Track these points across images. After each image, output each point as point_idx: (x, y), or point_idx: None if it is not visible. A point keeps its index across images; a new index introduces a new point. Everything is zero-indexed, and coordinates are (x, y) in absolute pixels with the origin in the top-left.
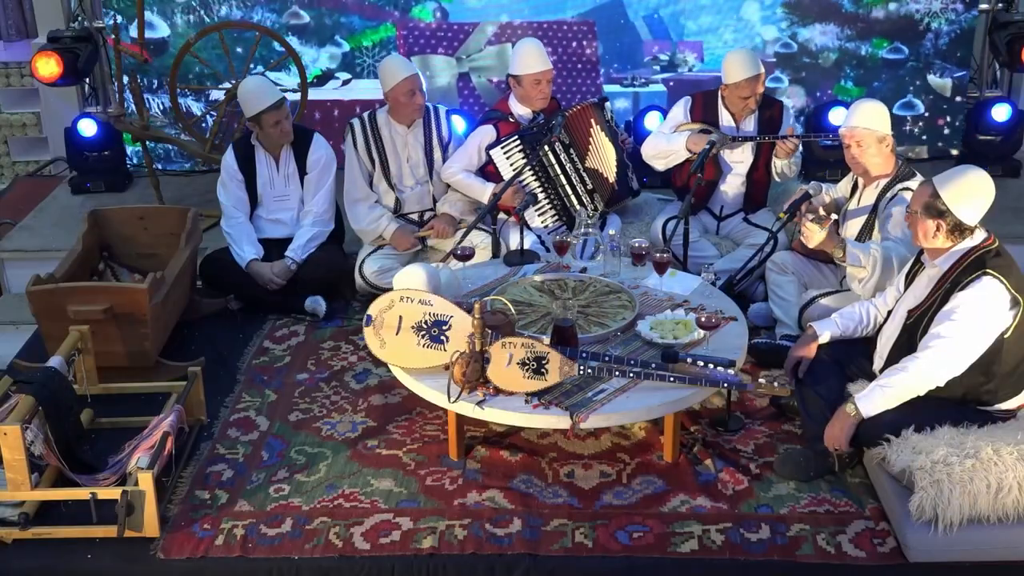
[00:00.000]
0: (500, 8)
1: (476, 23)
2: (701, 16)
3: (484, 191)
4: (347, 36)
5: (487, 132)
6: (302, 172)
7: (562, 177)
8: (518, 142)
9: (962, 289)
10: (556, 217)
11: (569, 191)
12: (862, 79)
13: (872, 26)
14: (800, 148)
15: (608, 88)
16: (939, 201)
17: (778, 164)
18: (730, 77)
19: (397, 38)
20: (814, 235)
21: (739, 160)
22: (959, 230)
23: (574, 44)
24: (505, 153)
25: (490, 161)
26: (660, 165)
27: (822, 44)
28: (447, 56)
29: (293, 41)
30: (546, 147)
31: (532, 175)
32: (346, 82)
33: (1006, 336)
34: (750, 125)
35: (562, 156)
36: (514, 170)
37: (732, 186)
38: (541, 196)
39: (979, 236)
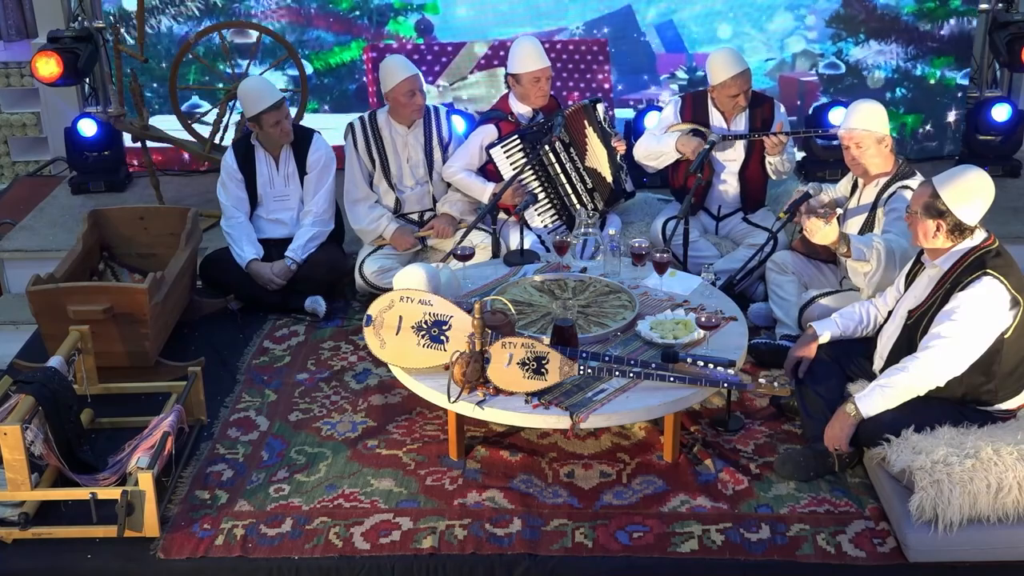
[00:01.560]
0: (497, 16)
1: (462, 43)
2: (720, 25)
3: (484, 190)
4: (310, 54)
5: (488, 131)
6: (302, 172)
7: (562, 176)
8: (518, 141)
9: (962, 289)
10: (556, 216)
11: (569, 190)
12: (919, 105)
13: (943, 44)
14: (789, 143)
15: (620, 113)
16: (939, 201)
17: (771, 161)
18: (715, 78)
19: (364, 62)
20: (819, 230)
21: (732, 159)
22: (959, 230)
23: (582, 67)
24: (505, 152)
25: (491, 160)
26: (651, 166)
27: (875, 64)
28: (426, 84)
29: (244, 63)
30: (546, 146)
31: (532, 174)
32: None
33: (1006, 336)
34: (741, 123)
35: (562, 155)
36: (514, 169)
37: (727, 185)
38: (541, 195)
39: (979, 236)
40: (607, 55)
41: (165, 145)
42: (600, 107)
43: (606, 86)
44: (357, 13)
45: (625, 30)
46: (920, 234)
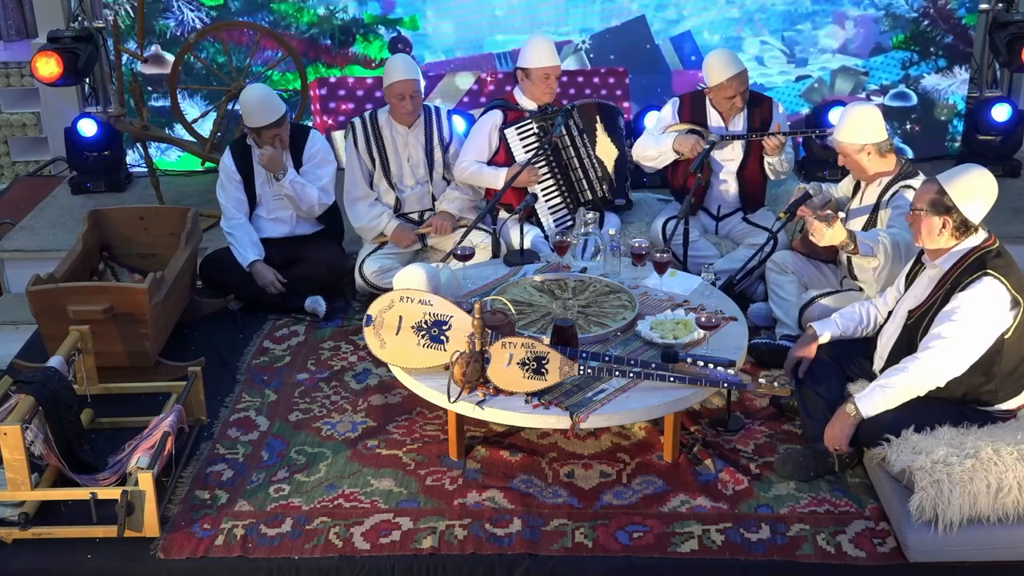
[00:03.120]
0: (492, 24)
1: (440, 74)
2: (746, 39)
3: (498, 176)
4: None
5: (495, 116)
6: (299, 169)
7: (575, 160)
8: (531, 125)
9: (963, 290)
10: (563, 205)
11: (581, 175)
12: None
13: None
14: (788, 143)
15: None
16: (946, 198)
17: (770, 161)
18: (712, 79)
19: (312, 100)
20: (824, 233)
21: (730, 159)
22: (964, 228)
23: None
24: (520, 135)
25: (503, 140)
26: (650, 166)
27: (955, 94)
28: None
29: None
30: (562, 129)
31: (544, 158)
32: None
33: (1006, 337)
34: (739, 124)
35: (577, 139)
36: (527, 152)
37: (726, 185)
38: (551, 182)
39: (980, 236)
40: (626, 87)
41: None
42: (621, 118)
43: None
44: (316, 31)
45: (638, 44)
46: (924, 232)
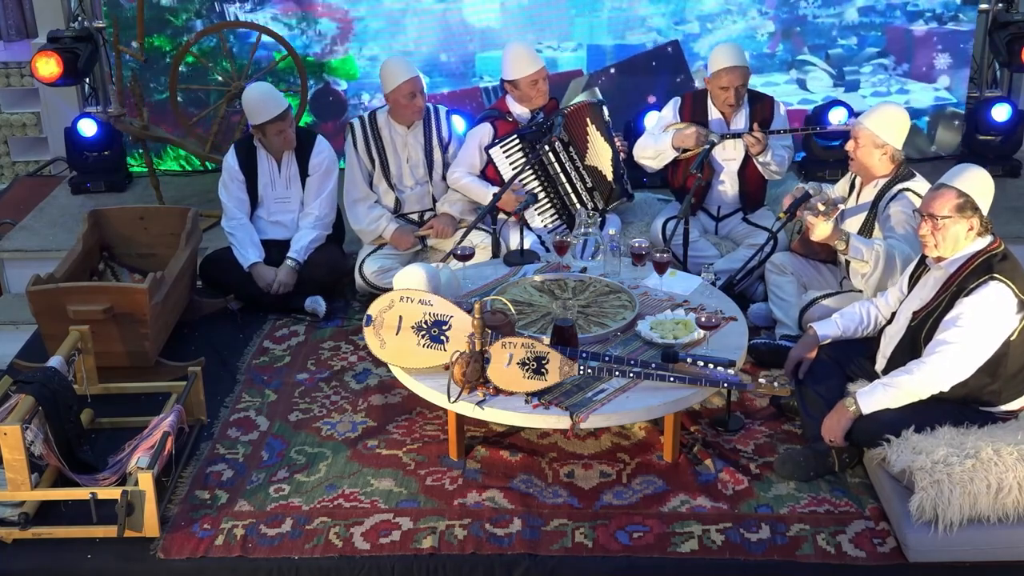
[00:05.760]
0: (485, 36)
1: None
2: (778, 51)
3: (487, 194)
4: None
5: (484, 131)
6: (303, 174)
7: (562, 176)
8: (517, 142)
9: (968, 295)
10: (556, 216)
11: (569, 189)
12: None
13: None
14: (782, 144)
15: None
16: (970, 200)
17: (758, 160)
18: (710, 68)
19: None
20: (818, 228)
21: (731, 157)
22: (985, 227)
23: None
24: (504, 152)
25: (490, 160)
26: (651, 165)
27: None
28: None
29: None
30: (546, 146)
31: (532, 174)
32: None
33: (1012, 339)
34: (741, 122)
35: (562, 155)
36: (513, 169)
37: (726, 185)
38: (541, 195)
39: (987, 238)
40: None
41: None
42: (604, 109)
43: None
44: (195, 84)
45: (666, 76)
46: (950, 240)
